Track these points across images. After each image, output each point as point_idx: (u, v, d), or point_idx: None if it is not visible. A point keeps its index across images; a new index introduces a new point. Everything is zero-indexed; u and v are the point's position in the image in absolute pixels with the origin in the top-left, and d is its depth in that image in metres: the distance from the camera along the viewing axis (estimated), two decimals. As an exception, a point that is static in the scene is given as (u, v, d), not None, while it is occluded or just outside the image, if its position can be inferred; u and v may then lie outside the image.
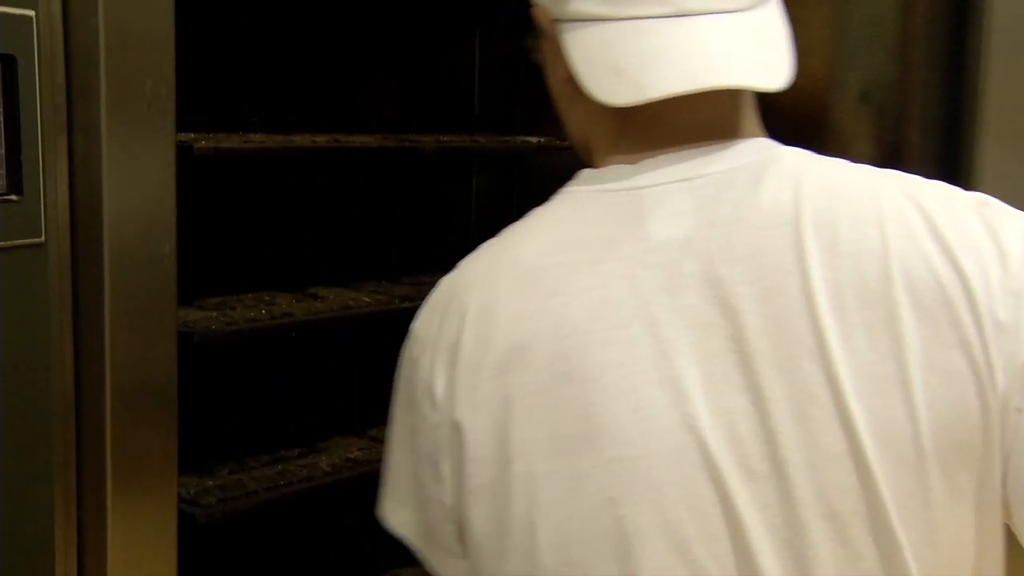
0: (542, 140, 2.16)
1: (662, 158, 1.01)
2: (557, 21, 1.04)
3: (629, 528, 0.93)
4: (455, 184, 2.42)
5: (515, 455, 0.96)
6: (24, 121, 1.17)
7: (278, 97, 2.02)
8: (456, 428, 1.00)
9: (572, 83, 1.03)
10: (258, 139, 1.66)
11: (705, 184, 0.99)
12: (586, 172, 1.07)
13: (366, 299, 1.86)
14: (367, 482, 1.88)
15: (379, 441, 1.94)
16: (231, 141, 1.59)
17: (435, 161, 2.31)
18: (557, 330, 0.97)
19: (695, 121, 1.03)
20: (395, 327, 2.29)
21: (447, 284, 1.08)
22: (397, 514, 1.12)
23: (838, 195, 0.96)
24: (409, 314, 1.92)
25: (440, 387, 1.02)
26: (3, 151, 1.16)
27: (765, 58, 1.00)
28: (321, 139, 1.73)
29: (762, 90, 1.00)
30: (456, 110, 2.38)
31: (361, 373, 2.28)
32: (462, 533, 1.03)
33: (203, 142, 1.51)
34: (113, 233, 1.24)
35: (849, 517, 0.90)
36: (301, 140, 1.71)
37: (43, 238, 1.21)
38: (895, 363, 0.90)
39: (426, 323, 1.08)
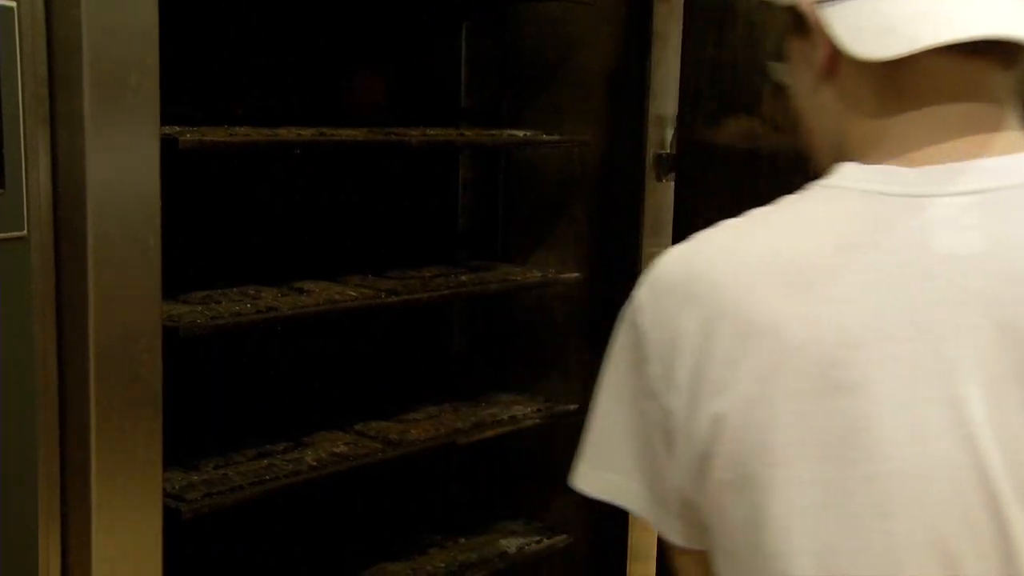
0: (528, 134, 2.15)
1: (943, 168, 0.98)
2: (819, 2, 1.01)
3: (900, 543, 0.93)
4: (441, 177, 2.41)
5: (778, 459, 0.95)
6: (5, 114, 1.17)
7: (264, 90, 2.00)
8: (711, 420, 0.98)
9: (830, 69, 1.02)
10: (243, 132, 1.64)
11: (994, 200, 0.96)
12: (851, 169, 1.02)
13: (352, 293, 1.84)
14: (353, 476, 1.88)
15: (365, 435, 1.94)
16: (216, 134, 1.57)
17: (421, 154, 2.29)
18: (832, 336, 0.95)
19: (966, 111, 0.99)
20: (381, 321, 2.30)
21: (684, 263, 1.04)
22: (606, 478, 1.10)
23: None
24: (395, 308, 1.92)
25: (684, 372, 0.99)
26: None
27: None
28: (307, 132, 1.71)
29: None
30: (442, 104, 2.37)
31: (347, 367, 2.27)
32: (690, 510, 1.03)
33: (188, 135, 1.49)
34: (96, 227, 1.23)
35: None
36: (287, 133, 1.69)
37: (25, 231, 1.20)
38: None
39: (659, 300, 1.04)
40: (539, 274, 2.22)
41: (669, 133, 2.18)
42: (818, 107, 1.09)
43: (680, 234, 2.35)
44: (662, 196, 2.19)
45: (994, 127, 0.99)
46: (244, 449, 1.83)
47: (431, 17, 2.34)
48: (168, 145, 1.43)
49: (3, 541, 1.27)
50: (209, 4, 1.84)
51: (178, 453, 1.73)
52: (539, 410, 2.18)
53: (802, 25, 1.04)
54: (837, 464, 0.94)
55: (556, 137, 2.17)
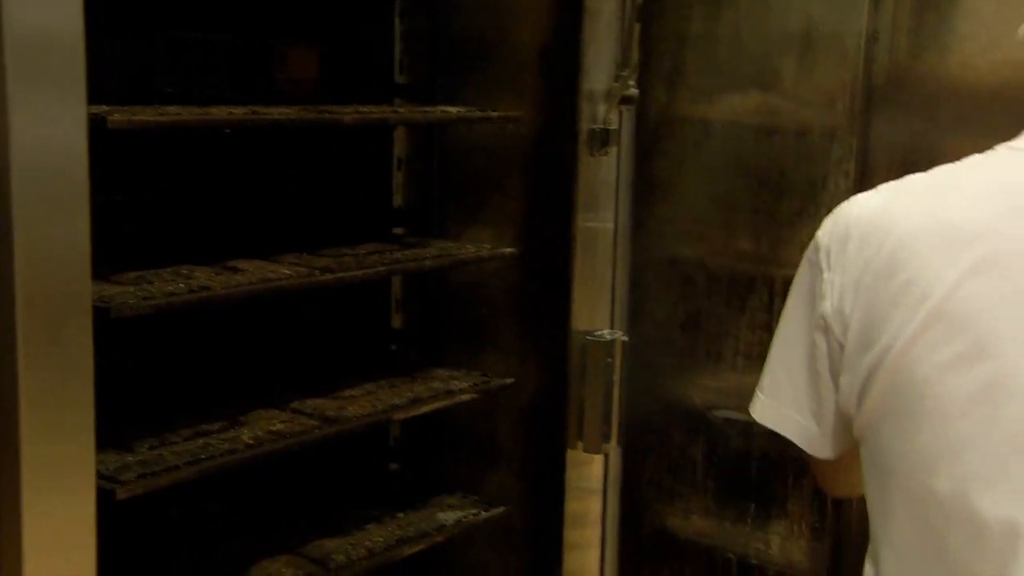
0: (461, 110, 2.15)
1: None
2: None
3: None
4: (375, 155, 2.41)
5: (929, 395, 1.13)
6: None
7: (195, 69, 1.99)
8: (876, 354, 1.17)
9: None
10: (174, 112, 1.62)
11: None
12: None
13: (286, 271, 1.84)
14: (290, 454, 1.88)
15: (302, 413, 1.94)
16: (146, 113, 1.55)
17: (356, 132, 2.29)
18: (981, 303, 1.12)
19: None
20: (317, 299, 2.30)
21: (868, 211, 1.23)
22: (780, 412, 1.33)
23: None
24: (330, 286, 1.92)
25: (856, 311, 1.19)
26: None
27: None
28: (239, 111, 1.70)
29: None
30: (377, 81, 2.36)
31: (284, 345, 2.27)
32: (844, 429, 1.26)
33: (117, 115, 1.47)
34: (21, 208, 1.21)
35: None
36: (218, 112, 1.68)
37: None
38: None
39: (840, 243, 1.23)
40: (474, 250, 2.22)
41: (602, 108, 2.19)
42: None
43: (643, 207, 2.40)
44: (595, 171, 2.21)
45: None
46: (180, 429, 1.81)
47: None
48: (97, 124, 1.41)
49: None
50: None
51: (112, 435, 1.72)
52: (475, 384, 2.19)
53: None
54: (981, 408, 1.10)
55: (489, 113, 2.17)
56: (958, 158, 2.07)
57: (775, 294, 2.33)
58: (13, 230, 1.20)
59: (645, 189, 2.40)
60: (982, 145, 2.00)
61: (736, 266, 2.38)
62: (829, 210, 2.12)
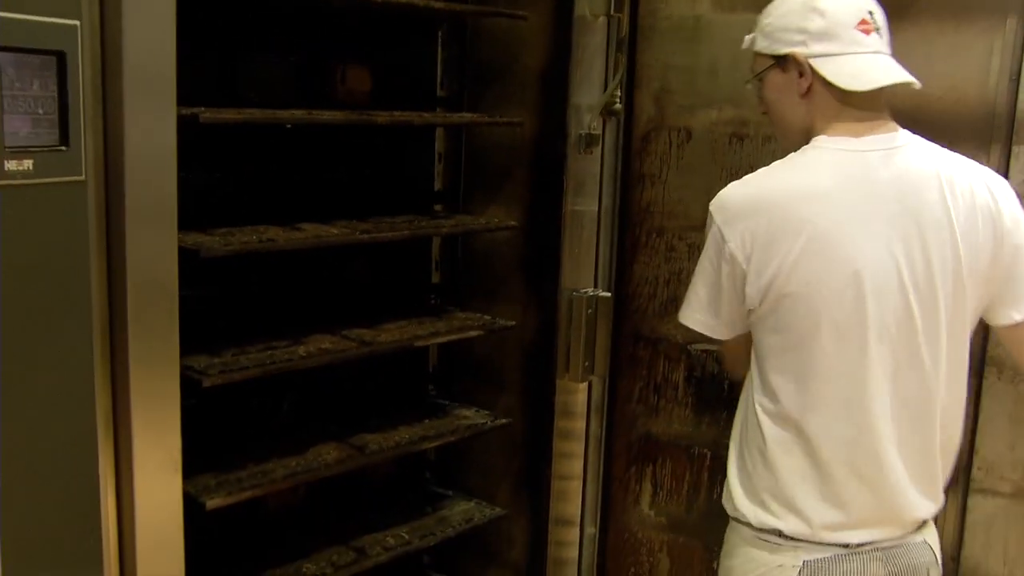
0: (475, 116, 2.41)
1: (870, 138, 1.72)
2: (811, 58, 1.72)
3: (870, 314, 1.68)
4: (423, 150, 2.67)
5: (812, 282, 1.67)
6: (71, 95, 1.43)
7: (273, 83, 2.26)
8: (774, 268, 1.67)
9: (809, 94, 1.74)
10: (248, 112, 1.91)
11: (894, 153, 1.72)
12: (825, 140, 1.73)
13: (335, 231, 2.11)
14: (334, 366, 2.16)
15: (347, 338, 2.22)
16: (228, 113, 1.85)
17: (404, 133, 2.56)
18: (834, 225, 1.66)
19: (879, 109, 1.75)
20: (372, 256, 2.58)
21: (745, 191, 1.74)
22: (695, 316, 1.82)
23: (953, 166, 1.74)
24: (367, 244, 2.18)
25: (756, 249, 1.68)
26: (57, 116, 1.42)
27: (908, 75, 1.75)
28: (298, 112, 1.99)
29: (916, 87, 1.75)
30: (423, 94, 2.63)
31: (343, 294, 2.55)
32: (740, 320, 1.78)
33: (208, 113, 1.77)
34: (132, 175, 1.50)
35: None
36: (282, 113, 1.97)
37: (84, 176, 1.46)
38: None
39: (733, 216, 1.72)
40: (484, 221, 2.48)
41: (588, 118, 2.45)
42: (795, 112, 1.78)
43: (635, 193, 2.66)
44: (583, 165, 2.46)
45: (885, 120, 1.75)
46: (255, 344, 2.09)
47: (416, 27, 2.60)
48: (190, 121, 1.72)
49: (73, 405, 1.51)
50: (234, 15, 2.11)
51: (206, 344, 2.04)
52: (483, 325, 2.45)
53: (787, 66, 1.75)
54: (836, 277, 1.65)
55: (498, 119, 2.42)
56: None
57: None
58: (125, 190, 1.50)
59: (637, 179, 2.61)
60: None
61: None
62: None
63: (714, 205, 1.75)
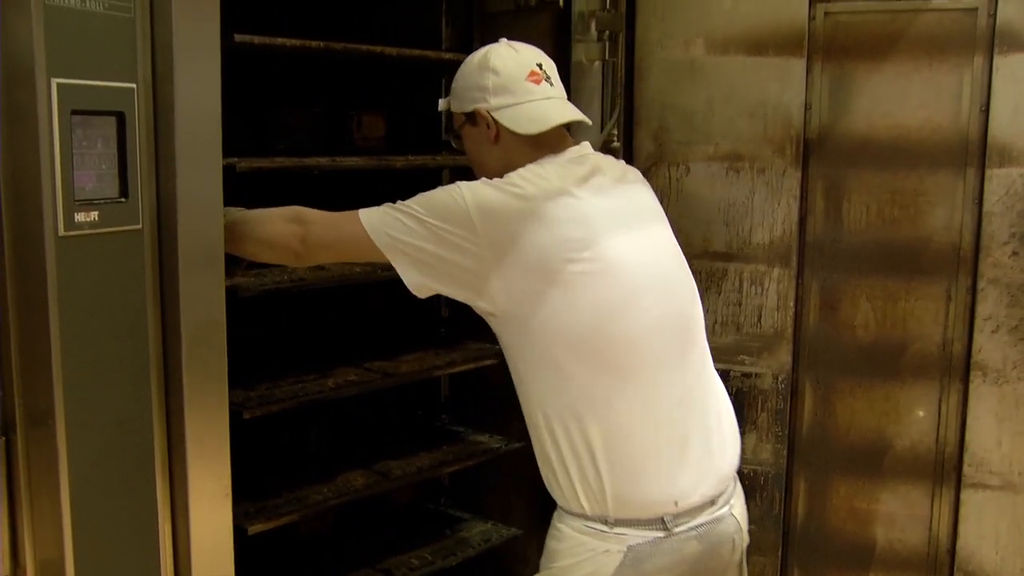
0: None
1: (565, 154, 1.91)
2: (492, 111, 1.90)
3: (641, 302, 1.86)
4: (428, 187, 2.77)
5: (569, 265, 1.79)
6: (129, 152, 1.53)
7: (298, 131, 2.38)
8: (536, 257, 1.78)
9: (498, 140, 1.90)
10: (280, 160, 2.03)
11: (584, 159, 1.92)
12: (542, 161, 1.89)
13: (358, 269, 2.23)
14: (356, 397, 2.25)
15: (370, 370, 2.33)
16: (261, 162, 1.97)
17: (414, 174, 2.67)
18: (583, 218, 1.81)
19: (561, 138, 1.94)
20: (387, 294, 2.66)
21: (499, 193, 1.82)
22: (412, 276, 1.83)
23: (617, 163, 1.99)
24: (389, 280, 2.28)
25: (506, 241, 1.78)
26: (117, 170, 1.52)
27: (580, 114, 1.95)
28: (324, 160, 2.11)
29: (585, 123, 1.97)
30: (430, 136, 2.72)
31: (362, 328, 2.65)
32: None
33: (243, 163, 1.90)
34: (184, 223, 1.59)
35: None
36: (310, 161, 2.09)
37: (140, 225, 1.56)
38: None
39: (487, 213, 1.78)
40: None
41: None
42: (490, 156, 1.93)
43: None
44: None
45: (568, 144, 1.95)
46: (286, 378, 2.20)
47: (424, 75, 2.71)
48: (229, 169, 1.83)
49: (131, 438, 1.59)
50: (263, 73, 2.23)
51: (242, 379, 2.13)
52: (496, 353, 2.51)
53: (476, 120, 1.92)
54: (592, 264, 1.78)
55: None
56: (864, 188, 2.49)
57: (742, 280, 2.71)
58: (178, 237, 1.59)
59: None
60: (880, 178, 2.38)
61: (711, 263, 2.73)
62: (783, 225, 2.57)
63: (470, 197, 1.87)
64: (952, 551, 2.63)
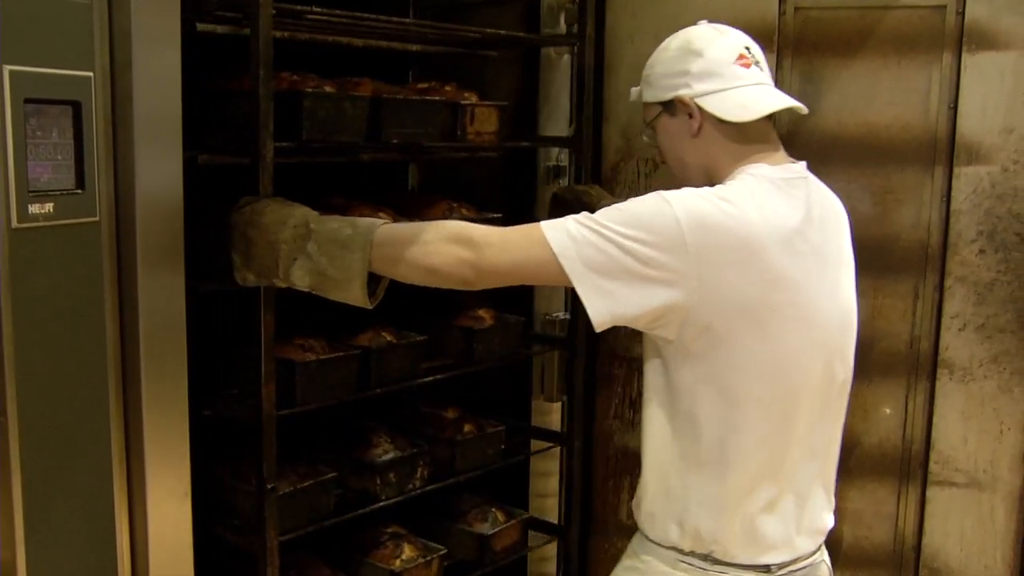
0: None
1: (783, 166, 1.74)
2: (696, 97, 1.74)
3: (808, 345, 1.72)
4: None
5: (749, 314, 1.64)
6: (85, 142, 1.50)
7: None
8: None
9: (700, 133, 1.74)
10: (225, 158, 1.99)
11: (807, 180, 1.76)
12: (752, 167, 1.70)
13: None
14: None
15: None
16: (224, 158, 1.94)
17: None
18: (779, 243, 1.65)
19: (769, 138, 1.77)
20: None
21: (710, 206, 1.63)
22: (600, 309, 1.61)
23: (828, 193, 1.83)
24: None
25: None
26: (73, 161, 1.49)
27: (794, 100, 1.79)
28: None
29: (804, 112, 1.83)
30: None
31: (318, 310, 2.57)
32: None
33: (204, 157, 1.87)
34: (143, 216, 1.56)
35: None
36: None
37: (97, 217, 1.53)
38: None
39: (697, 224, 1.60)
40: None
41: (556, 150, 2.56)
42: (689, 152, 1.78)
43: None
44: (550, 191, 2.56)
45: (778, 148, 1.78)
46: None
47: (390, 64, 2.67)
48: (192, 163, 1.79)
49: (88, 436, 1.56)
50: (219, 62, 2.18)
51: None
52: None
53: (675, 110, 1.76)
54: (795, 311, 1.65)
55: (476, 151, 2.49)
56: (833, 185, 2.49)
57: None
58: (136, 229, 1.56)
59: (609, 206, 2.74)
60: (849, 176, 2.38)
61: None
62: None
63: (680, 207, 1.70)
64: (918, 548, 2.64)
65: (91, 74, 1.51)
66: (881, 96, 2.54)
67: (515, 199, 2.60)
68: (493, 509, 2.55)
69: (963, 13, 2.45)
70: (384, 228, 1.68)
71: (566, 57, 2.59)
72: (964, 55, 2.45)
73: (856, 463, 2.70)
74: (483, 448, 2.49)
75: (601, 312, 1.59)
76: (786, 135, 2.61)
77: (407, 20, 2.36)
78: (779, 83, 2.62)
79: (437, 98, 2.27)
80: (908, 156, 2.54)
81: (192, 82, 1.65)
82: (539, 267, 1.61)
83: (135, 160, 1.55)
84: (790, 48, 2.61)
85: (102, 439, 1.61)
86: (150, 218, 1.59)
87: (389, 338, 2.27)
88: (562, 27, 2.59)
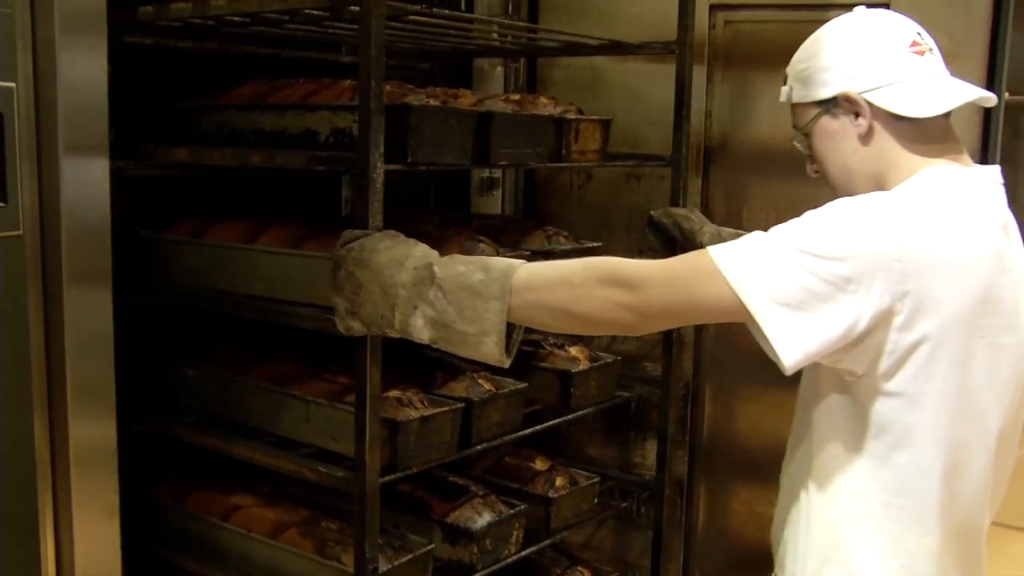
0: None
1: (973, 168, 1.49)
2: (865, 93, 1.49)
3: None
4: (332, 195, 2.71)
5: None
6: (7, 155, 1.47)
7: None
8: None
9: (870, 136, 1.49)
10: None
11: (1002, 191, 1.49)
12: (934, 169, 1.47)
13: None
14: None
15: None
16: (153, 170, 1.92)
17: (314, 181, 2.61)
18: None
19: (950, 138, 1.51)
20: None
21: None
22: (793, 348, 1.37)
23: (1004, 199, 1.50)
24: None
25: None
26: None
27: (983, 90, 1.51)
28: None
29: (993, 102, 1.52)
30: None
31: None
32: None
33: (134, 168, 1.84)
34: (68, 229, 1.54)
35: None
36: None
37: (21, 231, 1.50)
38: None
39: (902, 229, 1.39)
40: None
41: (490, 163, 2.56)
42: (858, 160, 1.52)
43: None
44: (484, 205, 2.58)
45: (962, 149, 1.52)
46: None
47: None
48: (120, 172, 1.74)
49: (12, 453, 1.54)
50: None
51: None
52: None
53: (838, 109, 1.52)
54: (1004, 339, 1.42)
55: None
56: (764, 195, 2.49)
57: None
58: (61, 242, 1.53)
59: (541, 217, 2.74)
60: (779, 186, 2.39)
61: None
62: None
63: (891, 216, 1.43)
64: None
65: (13, 84, 1.48)
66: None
67: (451, 210, 2.58)
68: (579, 568, 2.39)
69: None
70: (523, 271, 1.45)
71: (499, 69, 2.60)
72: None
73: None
74: (578, 503, 2.28)
75: (795, 352, 1.34)
76: (717, 146, 2.67)
77: (520, 23, 2.27)
78: (710, 95, 2.67)
79: (547, 113, 2.06)
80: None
81: (118, 93, 1.62)
82: (714, 304, 1.38)
83: (60, 172, 1.53)
84: (721, 60, 2.64)
85: (27, 457, 1.58)
86: (76, 231, 1.56)
87: (487, 386, 2.01)
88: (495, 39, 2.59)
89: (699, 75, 2.64)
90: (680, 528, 2.77)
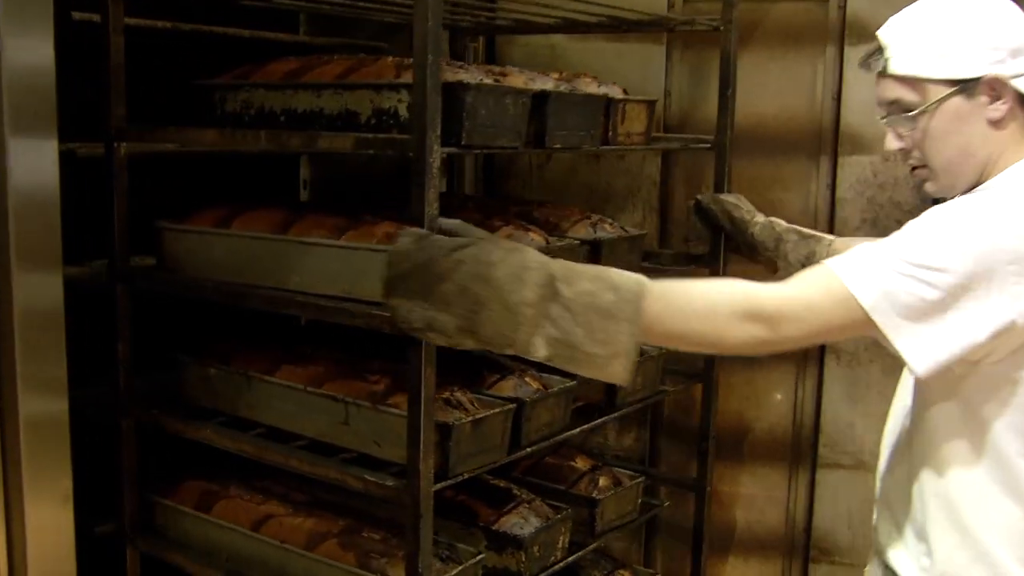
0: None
1: None
2: (1014, 78, 1.45)
3: None
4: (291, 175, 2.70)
5: None
6: None
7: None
8: None
9: (1002, 123, 1.46)
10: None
11: None
12: None
13: None
14: None
15: None
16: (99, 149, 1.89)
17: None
18: None
19: None
20: None
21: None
22: (925, 357, 1.39)
23: None
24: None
25: None
26: None
27: None
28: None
29: None
30: None
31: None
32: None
33: (84, 150, 1.81)
34: (16, 210, 1.50)
35: None
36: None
37: None
38: None
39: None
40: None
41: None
42: (980, 144, 1.48)
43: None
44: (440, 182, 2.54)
45: None
46: None
47: None
48: (69, 156, 1.73)
49: None
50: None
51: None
52: None
53: (975, 91, 1.46)
54: None
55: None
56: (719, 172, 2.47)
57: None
58: (9, 224, 1.50)
59: (504, 197, 2.76)
60: (739, 165, 2.41)
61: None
62: (643, 209, 2.54)
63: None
64: (808, 530, 2.71)
65: (-43, 64, 1.44)
66: (769, 88, 2.59)
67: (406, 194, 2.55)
68: (619, 572, 2.35)
69: (845, 7, 2.52)
70: (655, 293, 1.39)
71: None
72: (846, 47, 2.51)
73: (749, 449, 2.76)
74: (622, 504, 2.23)
75: (927, 363, 1.38)
76: (676, 125, 2.67)
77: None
78: (669, 74, 2.68)
79: (595, 93, 1.98)
80: (796, 146, 2.60)
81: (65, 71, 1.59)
82: (845, 328, 1.43)
83: (7, 153, 1.49)
84: (679, 41, 2.64)
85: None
86: (24, 212, 1.52)
87: (535, 384, 1.94)
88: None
89: (658, 54, 2.64)
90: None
